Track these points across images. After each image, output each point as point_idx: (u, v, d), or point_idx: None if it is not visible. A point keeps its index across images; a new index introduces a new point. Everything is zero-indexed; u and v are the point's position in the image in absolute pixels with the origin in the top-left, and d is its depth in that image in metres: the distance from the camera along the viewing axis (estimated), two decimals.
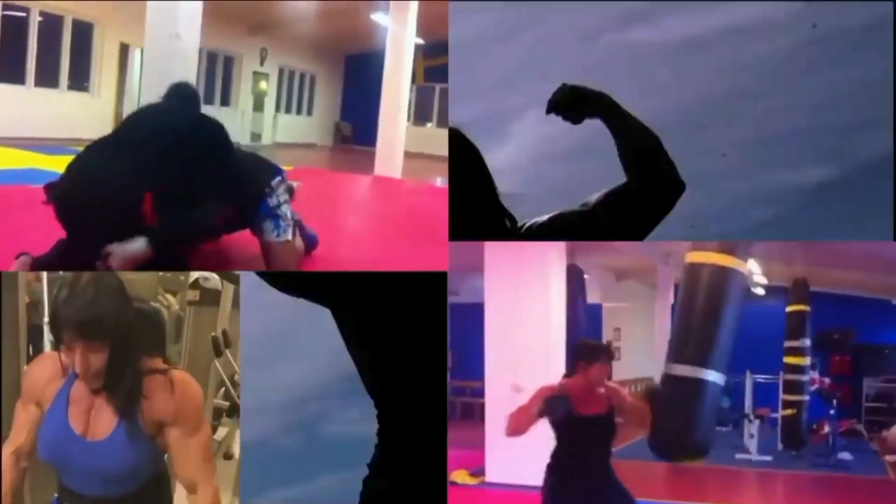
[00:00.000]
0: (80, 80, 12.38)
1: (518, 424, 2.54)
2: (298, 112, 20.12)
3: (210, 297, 3.68)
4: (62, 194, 3.16)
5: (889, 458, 6.07)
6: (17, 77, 11.15)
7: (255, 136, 17.45)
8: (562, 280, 5.00)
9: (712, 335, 3.16)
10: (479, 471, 4.98)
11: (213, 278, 3.68)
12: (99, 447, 1.93)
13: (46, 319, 2.45)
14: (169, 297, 3.33)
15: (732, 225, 5.45)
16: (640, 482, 5.87)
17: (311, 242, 4.55)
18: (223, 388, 3.23)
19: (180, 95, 3.72)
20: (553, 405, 2.54)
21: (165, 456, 2.03)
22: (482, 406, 5.65)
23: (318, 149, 19.38)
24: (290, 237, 4.00)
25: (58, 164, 4.26)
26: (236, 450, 3.36)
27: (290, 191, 4.12)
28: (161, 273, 3.33)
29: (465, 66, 5.94)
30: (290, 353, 3.79)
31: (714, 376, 3.15)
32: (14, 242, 3.71)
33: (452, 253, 5.81)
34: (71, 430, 1.95)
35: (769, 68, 5.68)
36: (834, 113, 5.60)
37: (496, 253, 5.01)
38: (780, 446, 6.45)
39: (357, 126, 19.51)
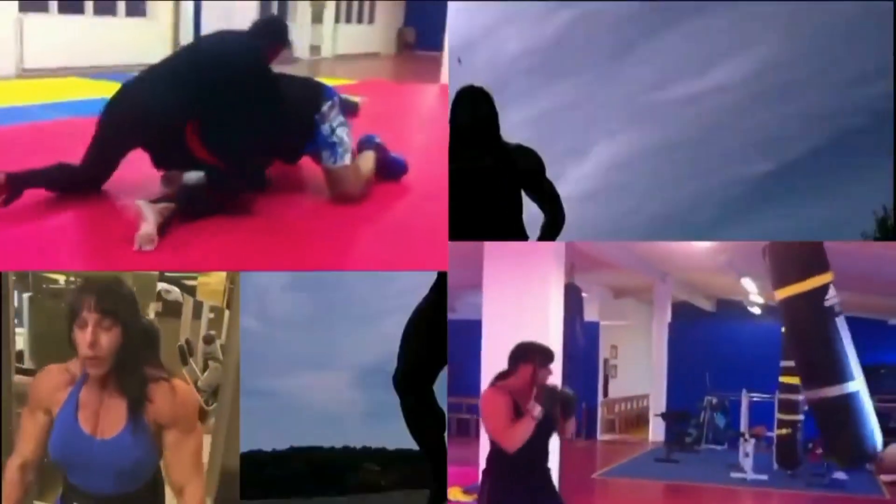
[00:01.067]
0: (136, 5, 12.31)
1: (524, 434, 2.54)
2: (360, 21, 19.00)
3: (172, 309, 3.79)
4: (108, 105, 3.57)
5: (884, 477, 6.08)
6: (75, 7, 11.14)
7: (315, 49, 16.38)
8: (560, 298, 5.01)
9: (834, 351, 3.40)
10: (473, 488, 4.97)
11: (174, 291, 3.78)
12: (108, 445, 2.05)
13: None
14: None
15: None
16: (637, 500, 5.90)
17: (396, 167, 4.50)
18: None
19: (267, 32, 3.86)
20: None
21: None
22: (478, 422, 5.65)
23: (382, 58, 18.53)
24: (347, 161, 4.01)
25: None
26: (204, 455, 3.45)
27: (349, 109, 4.09)
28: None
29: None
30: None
31: (853, 386, 3.39)
32: None
33: (451, 268, 5.83)
34: (81, 429, 2.06)
35: None
36: None
37: (495, 270, 5.03)
38: (775, 465, 6.45)
39: (422, 31, 18.58)
